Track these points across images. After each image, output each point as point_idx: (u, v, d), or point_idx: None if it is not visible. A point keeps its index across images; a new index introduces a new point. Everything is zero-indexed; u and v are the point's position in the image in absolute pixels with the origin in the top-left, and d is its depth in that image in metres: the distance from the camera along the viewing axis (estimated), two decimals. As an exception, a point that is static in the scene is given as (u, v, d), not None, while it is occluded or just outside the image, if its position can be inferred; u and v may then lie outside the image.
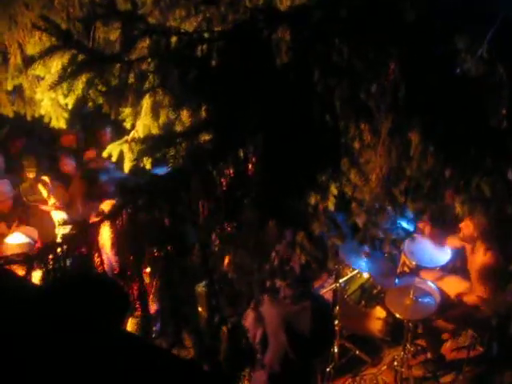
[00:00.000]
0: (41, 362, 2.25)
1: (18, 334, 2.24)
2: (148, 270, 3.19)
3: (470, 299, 6.16)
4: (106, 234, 2.60)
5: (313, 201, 3.14)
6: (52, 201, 6.91)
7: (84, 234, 2.50)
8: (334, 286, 6.48)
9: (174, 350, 2.93)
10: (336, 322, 6.51)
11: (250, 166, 2.78)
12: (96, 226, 2.53)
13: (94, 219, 2.56)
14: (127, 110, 3.90)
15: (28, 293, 2.40)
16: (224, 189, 2.70)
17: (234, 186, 2.73)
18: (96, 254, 2.55)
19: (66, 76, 3.08)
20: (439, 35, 2.98)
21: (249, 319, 4.83)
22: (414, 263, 6.70)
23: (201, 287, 3.67)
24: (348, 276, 6.56)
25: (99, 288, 2.49)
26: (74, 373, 2.23)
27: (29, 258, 2.41)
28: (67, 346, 2.25)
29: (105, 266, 2.60)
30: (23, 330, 2.27)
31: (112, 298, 2.53)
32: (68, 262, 2.50)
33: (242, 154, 2.74)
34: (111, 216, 2.53)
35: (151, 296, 2.84)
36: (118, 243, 2.55)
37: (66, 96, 3.52)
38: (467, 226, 5.96)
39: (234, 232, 2.85)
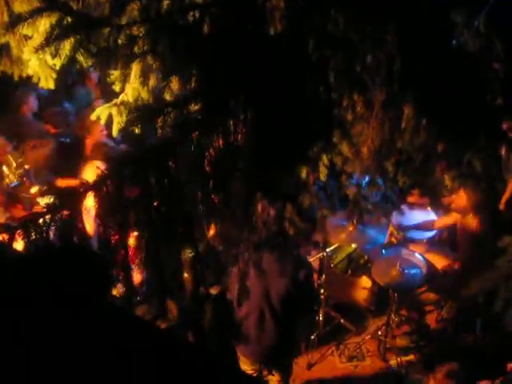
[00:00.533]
0: (23, 333, 2.22)
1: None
2: (135, 234, 3.15)
3: (456, 272, 6.18)
4: (90, 203, 2.55)
5: (303, 173, 3.10)
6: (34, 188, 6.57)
7: (68, 203, 2.46)
8: (320, 254, 6.48)
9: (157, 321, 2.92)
10: (322, 291, 6.54)
11: (239, 136, 2.73)
12: (80, 195, 2.48)
13: (78, 187, 2.50)
14: (116, 73, 3.82)
15: (9, 261, 2.36)
16: (212, 160, 2.66)
17: (223, 158, 2.68)
18: (79, 224, 2.51)
19: (53, 38, 3.00)
20: (436, 8, 2.91)
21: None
22: (401, 235, 6.71)
23: (187, 253, 3.65)
24: (335, 245, 6.56)
25: (82, 259, 2.46)
26: (56, 346, 2.20)
27: (10, 228, 2.37)
28: (49, 317, 2.22)
29: (88, 235, 2.57)
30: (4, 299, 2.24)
31: (95, 269, 2.49)
32: (51, 232, 2.45)
33: (231, 125, 2.69)
34: (96, 186, 2.48)
35: (135, 266, 2.80)
36: (102, 213, 2.51)
37: (53, 57, 3.44)
38: (461, 197, 5.95)
39: (221, 204, 2.81)
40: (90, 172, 5.62)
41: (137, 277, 2.89)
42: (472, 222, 5.96)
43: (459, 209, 6.12)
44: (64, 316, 2.29)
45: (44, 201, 5.81)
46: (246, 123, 2.72)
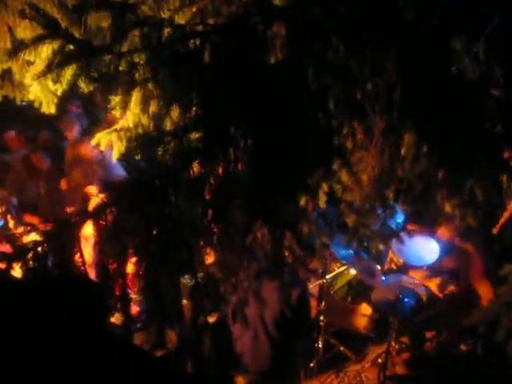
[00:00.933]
0: (20, 359, 2.21)
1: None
2: (133, 261, 3.13)
3: (457, 300, 6.15)
4: (88, 232, 2.54)
5: (303, 200, 3.09)
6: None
7: (65, 231, 2.44)
8: (320, 281, 6.44)
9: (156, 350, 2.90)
10: (321, 318, 6.50)
11: (239, 164, 2.73)
12: (78, 224, 2.46)
13: (75, 217, 2.48)
14: (117, 99, 3.83)
15: (8, 289, 2.34)
16: (212, 188, 2.65)
17: (223, 186, 2.68)
18: (77, 252, 2.49)
19: (54, 65, 3.01)
20: (436, 35, 2.92)
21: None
22: (401, 261, 6.68)
23: (186, 279, 3.63)
24: (335, 272, 6.53)
25: (79, 288, 2.44)
26: (52, 373, 2.18)
27: (8, 257, 2.35)
28: (47, 345, 2.21)
29: (86, 265, 2.55)
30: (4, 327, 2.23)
31: (92, 297, 2.48)
32: (49, 261, 2.44)
33: (231, 153, 2.69)
34: (95, 214, 2.47)
35: (134, 294, 2.78)
36: (100, 241, 2.49)
37: (55, 83, 3.45)
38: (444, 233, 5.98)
39: (221, 232, 2.80)
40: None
41: (135, 305, 2.87)
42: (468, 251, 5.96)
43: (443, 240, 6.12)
44: (61, 344, 2.27)
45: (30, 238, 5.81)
46: (246, 151, 2.71)
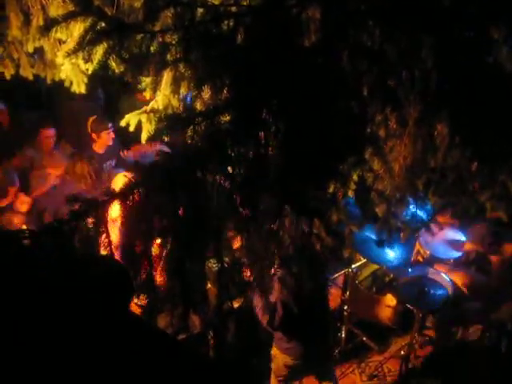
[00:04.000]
0: (45, 339, 2.20)
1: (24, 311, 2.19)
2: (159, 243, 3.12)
3: (486, 295, 6.06)
4: (115, 213, 2.52)
5: (332, 188, 3.05)
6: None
7: (93, 211, 2.42)
8: (345, 270, 6.41)
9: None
10: (345, 307, 6.48)
11: (269, 149, 2.69)
12: (106, 204, 2.44)
13: (103, 196, 2.46)
14: (147, 80, 3.81)
15: (33, 268, 2.33)
16: (241, 172, 2.61)
17: (252, 171, 2.64)
18: (104, 234, 2.47)
19: (85, 43, 2.99)
20: (474, 24, 2.85)
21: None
22: (428, 253, 6.62)
23: (211, 263, 3.62)
24: (361, 261, 6.48)
25: (104, 269, 2.43)
26: (73, 351, 2.18)
27: (35, 234, 2.34)
28: (70, 324, 2.20)
29: (112, 246, 2.53)
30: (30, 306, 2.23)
31: (117, 279, 2.47)
32: (75, 240, 2.42)
33: (262, 137, 2.65)
34: (123, 194, 2.45)
35: (158, 278, 2.76)
36: (126, 222, 2.47)
37: (86, 61, 3.43)
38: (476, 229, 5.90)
39: (249, 216, 2.77)
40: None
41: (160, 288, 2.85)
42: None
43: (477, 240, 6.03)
44: (83, 324, 2.27)
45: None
46: (277, 135, 2.67)
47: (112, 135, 7.20)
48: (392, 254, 6.16)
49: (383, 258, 6.12)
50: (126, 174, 5.51)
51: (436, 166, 3.14)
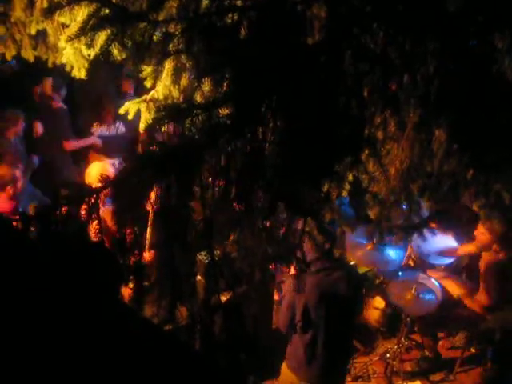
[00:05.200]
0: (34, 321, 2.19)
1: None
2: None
3: (475, 305, 6.07)
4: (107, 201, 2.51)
5: (327, 187, 3.04)
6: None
7: (86, 197, 2.41)
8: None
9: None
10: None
11: (266, 145, 2.68)
12: (99, 191, 2.43)
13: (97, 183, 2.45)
14: (149, 69, 3.80)
15: (24, 251, 2.32)
16: (237, 166, 2.60)
17: (249, 166, 2.63)
18: (96, 221, 2.46)
19: (88, 28, 2.98)
20: (480, 31, 2.84)
21: (286, 286, 4.81)
22: (419, 258, 6.63)
23: (202, 255, 3.61)
24: (352, 262, 6.48)
25: (94, 255, 2.42)
26: (58, 336, 2.17)
27: (26, 217, 2.33)
28: (57, 307, 2.19)
29: (103, 233, 2.52)
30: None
31: (106, 266, 2.46)
32: (67, 226, 2.41)
33: (260, 133, 2.64)
34: (117, 182, 2.44)
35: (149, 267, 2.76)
36: (119, 210, 2.46)
37: (88, 47, 3.42)
38: (483, 234, 5.85)
39: (242, 212, 2.76)
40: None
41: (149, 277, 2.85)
42: (497, 255, 5.85)
43: (484, 246, 6.00)
44: (71, 308, 2.26)
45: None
46: (275, 132, 2.67)
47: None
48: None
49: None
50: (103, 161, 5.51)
51: (432, 172, 3.13)
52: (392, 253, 6.22)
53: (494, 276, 5.90)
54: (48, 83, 7.60)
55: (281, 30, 2.75)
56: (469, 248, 6.40)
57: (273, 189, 2.70)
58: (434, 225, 6.29)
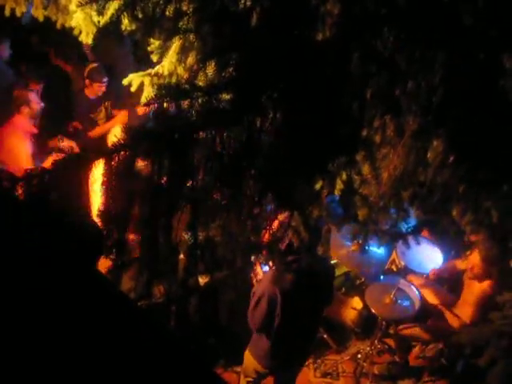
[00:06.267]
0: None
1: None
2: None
3: (454, 320, 6.09)
4: (97, 173, 2.49)
5: (318, 185, 3.04)
6: None
7: (76, 165, 2.40)
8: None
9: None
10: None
11: (262, 135, 2.68)
12: (90, 160, 2.42)
13: (89, 152, 2.43)
14: (157, 43, 3.79)
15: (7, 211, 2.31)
16: (231, 152, 2.60)
17: (242, 153, 2.63)
18: (84, 190, 2.45)
19: (98, -4, 2.97)
20: (491, 47, 2.84)
21: (265, 279, 4.80)
22: (402, 264, 6.64)
23: (188, 235, 3.61)
24: (335, 261, 6.50)
25: (75, 225, 2.42)
26: (31, 307, 2.17)
27: (13, 179, 2.31)
28: (34, 276, 2.19)
29: (90, 203, 2.52)
30: None
31: (86, 237, 2.45)
32: (53, 193, 2.39)
33: (258, 122, 2.64)
34: (108, 153, 2.43)
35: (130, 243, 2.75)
36: (108, 183, 2.45)
37: (98, 14, 3.40)
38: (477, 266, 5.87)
39: (230, 198, 2.76)
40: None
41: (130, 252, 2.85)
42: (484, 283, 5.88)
43: (477, 275, 5.99)
44: (48, 278, 2.25)
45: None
46: (273, 123, 2.66)
47: (103, 89, 7.63)
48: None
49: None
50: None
51: (425, 182, 3.14)
52: (375, 256, 6.23)
53: (478, 303, 5.92)
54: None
55: (292, 22, 2.75)
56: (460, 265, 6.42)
57: (264, 178, 2.70)
58: (426, 233, 6.33)
